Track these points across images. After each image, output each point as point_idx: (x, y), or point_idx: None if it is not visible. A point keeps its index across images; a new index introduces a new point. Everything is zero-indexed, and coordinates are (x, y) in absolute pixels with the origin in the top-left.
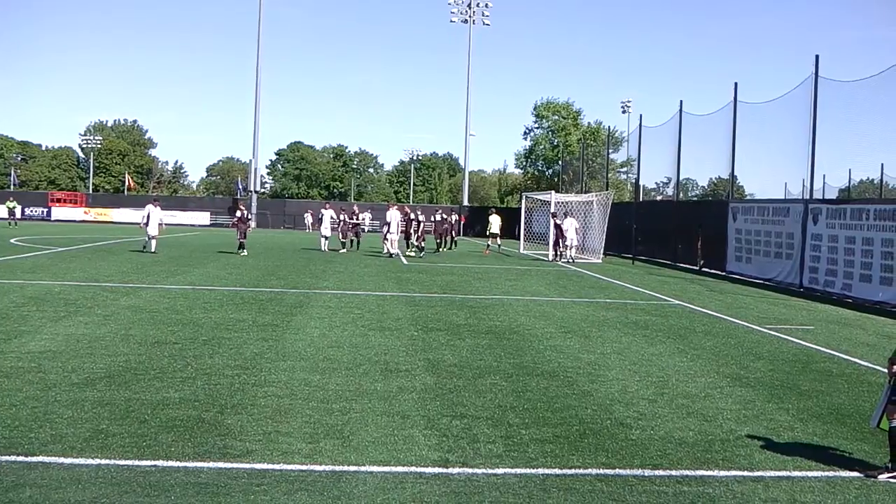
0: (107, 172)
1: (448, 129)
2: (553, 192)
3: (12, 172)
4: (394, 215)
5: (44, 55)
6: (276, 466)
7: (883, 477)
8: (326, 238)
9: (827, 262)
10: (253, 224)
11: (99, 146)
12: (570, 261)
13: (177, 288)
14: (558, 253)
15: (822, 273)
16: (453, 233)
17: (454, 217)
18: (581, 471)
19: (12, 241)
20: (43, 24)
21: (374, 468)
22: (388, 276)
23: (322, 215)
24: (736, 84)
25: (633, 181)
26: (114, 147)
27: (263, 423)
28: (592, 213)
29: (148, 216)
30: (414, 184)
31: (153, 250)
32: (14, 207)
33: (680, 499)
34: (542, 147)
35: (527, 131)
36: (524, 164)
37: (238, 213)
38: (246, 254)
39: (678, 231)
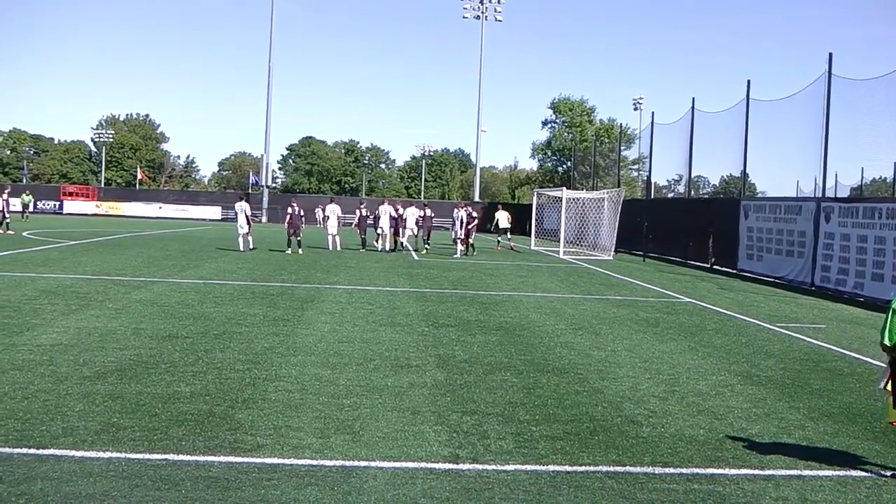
0: (118, 166)
1: (459, 125)
2: (564, 188)
3: (24, 166)
4: (333, 209)
5: (56, 49)
6: (287, 461)
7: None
8: (335, 235)
9: (839, 261)
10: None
11: (111, 140)
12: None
13: (188, 282)
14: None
15: (833, 272)
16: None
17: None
18: (591, 468)
19: (24, 234)
20: (56, 18)
21: (385, 464)
22: (399, 271)
23: (326, 213)
24: (749, 81)
25: (645, 178)
26: (126, 141)
27: (274, 418)
28: (603, 210)
29: (245, 214)
30: (425, 179)
31: (252, 247)
32: (28, 202)
33: (690, 497)
34: (558, 142)
35: (545, 122)
36: (541, 155)
37: (290, 210)
38: (301, 252)
39: (689, 229)
